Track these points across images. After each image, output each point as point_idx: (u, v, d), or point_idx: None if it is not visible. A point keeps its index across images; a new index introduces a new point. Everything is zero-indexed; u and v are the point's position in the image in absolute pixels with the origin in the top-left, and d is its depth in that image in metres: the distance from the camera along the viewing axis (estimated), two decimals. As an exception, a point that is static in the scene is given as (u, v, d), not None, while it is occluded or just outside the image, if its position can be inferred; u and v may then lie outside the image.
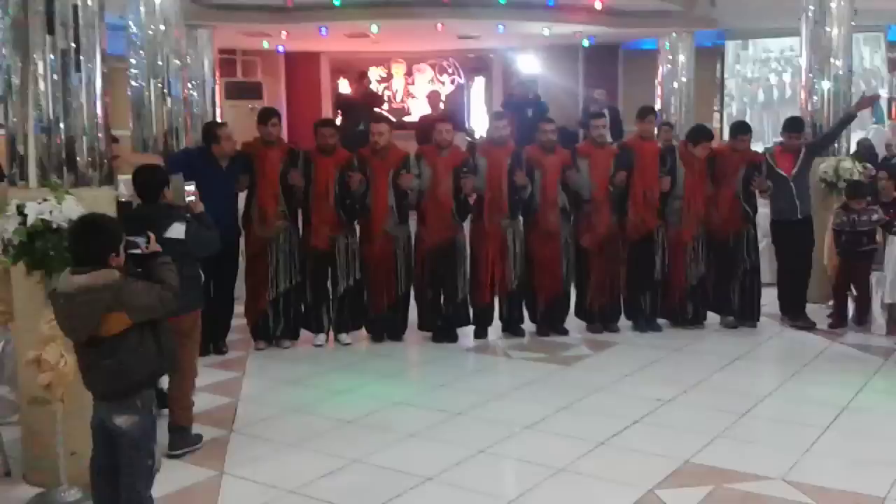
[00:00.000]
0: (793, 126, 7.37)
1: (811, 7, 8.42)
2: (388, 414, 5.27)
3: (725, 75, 14.76)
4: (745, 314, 7.23)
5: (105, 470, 3.55)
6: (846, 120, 7.80)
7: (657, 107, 12.87)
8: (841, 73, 8.40)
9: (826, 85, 8.36)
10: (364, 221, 6.72)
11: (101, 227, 3.55)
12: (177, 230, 4.42)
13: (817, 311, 7.59)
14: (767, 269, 7.81)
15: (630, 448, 4.66)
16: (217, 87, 12.06)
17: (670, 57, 12.93)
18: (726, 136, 14.32)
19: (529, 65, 15.01)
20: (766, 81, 14.52)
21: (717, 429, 4.91)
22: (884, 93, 13.26)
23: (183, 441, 4.62)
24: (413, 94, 15.60)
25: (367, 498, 4.02)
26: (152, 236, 3.74)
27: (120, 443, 3.50)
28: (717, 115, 14.82)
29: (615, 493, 4.09)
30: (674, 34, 12.78)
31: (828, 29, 8.36)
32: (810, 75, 8.48)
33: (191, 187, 4.71)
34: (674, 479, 4.24)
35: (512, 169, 6.71)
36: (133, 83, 8.17)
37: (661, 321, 7.22)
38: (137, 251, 3.66)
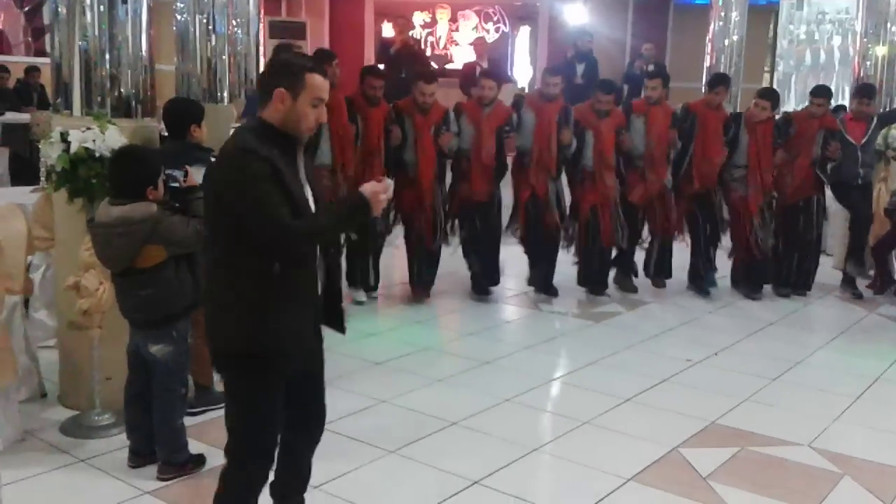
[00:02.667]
0: (865, 92, 7.12)
1: (871, -31, 8.17)
2: (416, 358, 5.31)
3: (778, 35, 14.40)
4: (798, 283, 7.12)
5: (138, 396, 3.64)
6: None
7: (706, 63, 12.62)
8: (896, 38, 8.17)
9: (881, 50, 8.13)
10: (402, 175, 6.28)
11: (140, 158, 3.59)
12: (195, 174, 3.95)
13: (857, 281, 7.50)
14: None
15: (656, 406, 4.67)
16: (262, 26, 12.02)
17: (723, 13, 12.61)
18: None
19: (577, 15, 14.75)
20: (815, 44, 14.15)
21: (746, 392, 4.90)
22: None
23: (202, 399, 4.33)
24: (457, 41, 15.43)
25: (391, 438, 4.07)
26: (190, 170, 3.75)
27: (154, 370, 3.58)
28: (766, 76, 14.51)
29: (639, 448, 4.09)
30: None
31: (886, -8, 8.11)
32: (865, 40, 8.24)
33: None
34: (699, 438, 4.24)
35: (559, 126, 6.50)
36: (178, 18, 8.17)
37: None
38: (175, 185, 3.70)
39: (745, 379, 5.12)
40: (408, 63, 10.52)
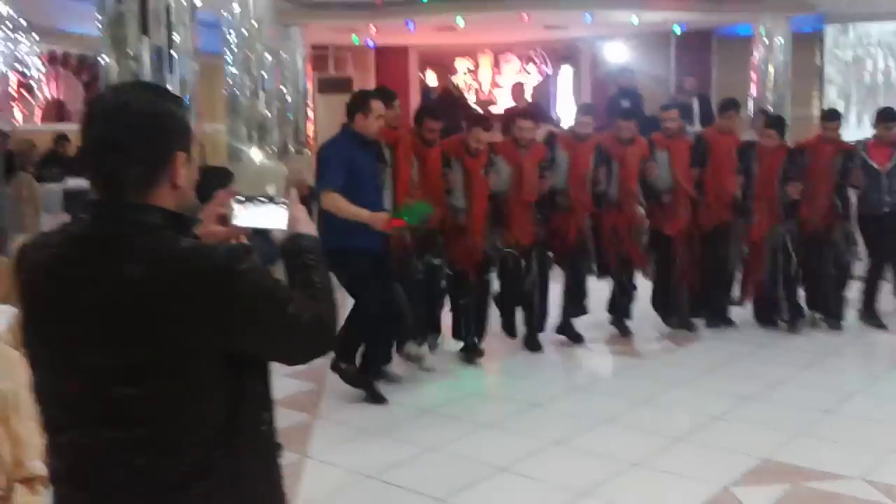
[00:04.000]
0: (889, 115, 7.03)
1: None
2: (464, 404, 5.36)
3: (825, 61, 14.25)
4: (830, 311, 6.94)
5: None
6: None
7: (752, 94, 12.56)
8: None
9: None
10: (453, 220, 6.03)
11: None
12: None
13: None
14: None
15: (708, 444, 4.63)
16: (309, 82, 12.38)
17: (766, 42, 12.56)
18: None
19: (619, 53, 14.82)
20: (871, 65, 13.96)
21: (799, 426, 4.84)
22: None
23: None
24: (500, 84, 15.62)
25: (440, 486, 4.11)
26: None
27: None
28: (816, 102, 14.34)
29: (689, 489, 4.07)
30: (769, 19, 12.43)
31: (929, 13, 8.00)
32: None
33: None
34: (751, 476, 4.20)
35: (597, 164, 6.46)
36: (228, 79, 8.48)
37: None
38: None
39: (797, 413, 5.06)
40: (450, 110, 10.72)
